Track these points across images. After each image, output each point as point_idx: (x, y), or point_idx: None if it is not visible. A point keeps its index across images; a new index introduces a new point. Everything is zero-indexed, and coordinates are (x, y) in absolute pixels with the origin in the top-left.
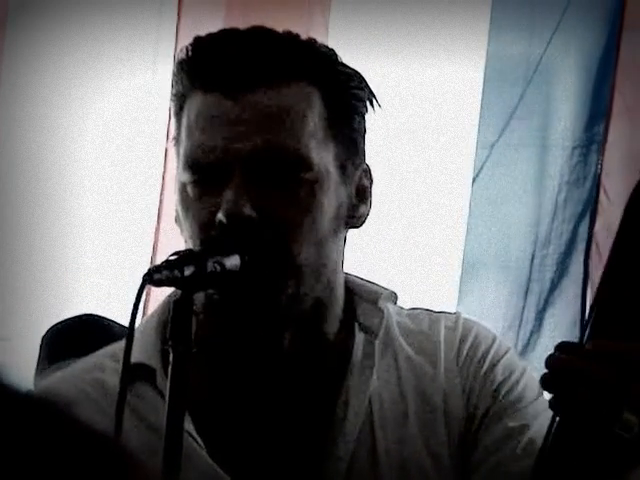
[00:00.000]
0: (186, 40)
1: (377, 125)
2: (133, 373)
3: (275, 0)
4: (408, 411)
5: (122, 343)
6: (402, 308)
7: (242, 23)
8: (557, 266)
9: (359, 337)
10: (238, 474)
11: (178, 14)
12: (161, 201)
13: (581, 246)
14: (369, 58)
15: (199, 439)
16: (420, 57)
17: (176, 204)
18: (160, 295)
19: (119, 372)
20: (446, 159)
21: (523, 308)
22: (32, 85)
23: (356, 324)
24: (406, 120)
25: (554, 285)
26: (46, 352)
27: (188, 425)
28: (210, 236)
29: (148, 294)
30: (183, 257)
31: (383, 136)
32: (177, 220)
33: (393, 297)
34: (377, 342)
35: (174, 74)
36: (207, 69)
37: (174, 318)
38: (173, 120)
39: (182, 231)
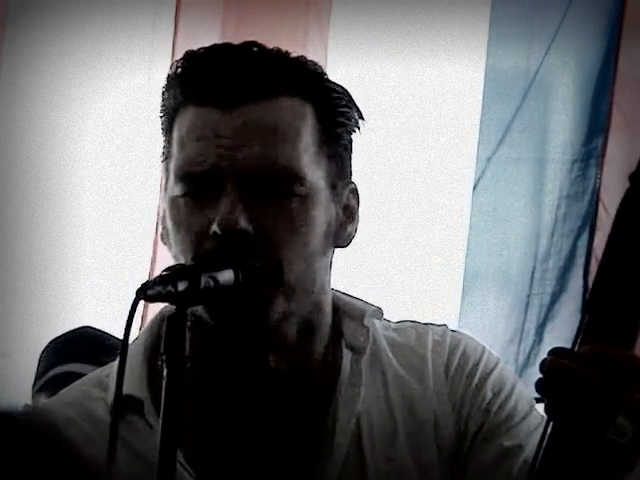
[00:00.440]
0: (183, 40)
1: (377, 125)
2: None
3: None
4: (397, 428)
5: (107, 369)
6: (389, 322)
7: (240, 23)
8: (557, 280)
9: (346, 355)
10: None
11: (175, 14)
12: None
13: (580, 260)
14: (369, 58)
15: (188, 467)
16: (420, 57)
17: (164, 221)
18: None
19: (105, 400)
20: (446, 159)
21: (524, 322)
22: (32, 85)
23: (343, 342)
24: (406, 120)
25: (554, 299)
26: (43, 368)
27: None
28: (204, 249)
29: (146, 306)
30: (176, 272)
31: (383, 136)
32: (164, 238)
33: (379, 313)
34: (364, 359)
35: (165, 89)
36: (201, 82)
37: (168, 333)
38: (161, 138)
39: (171, 248)
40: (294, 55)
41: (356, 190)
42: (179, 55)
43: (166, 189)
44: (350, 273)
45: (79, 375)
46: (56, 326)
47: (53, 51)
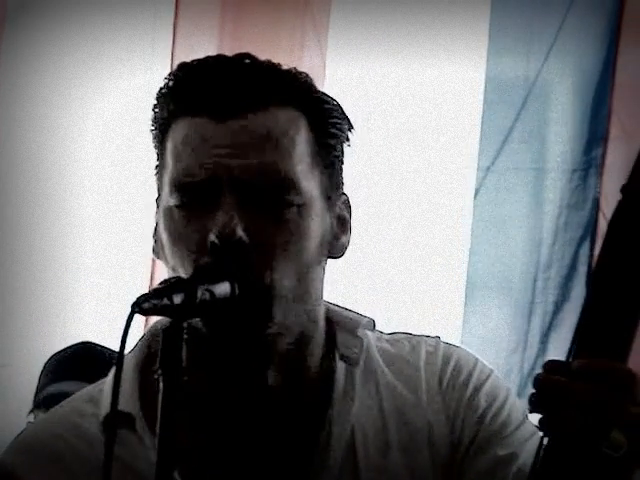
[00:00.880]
0: (183, 40)
1: (377, 125)
2: (109, 423)
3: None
4: (391, 439)
5: (99, 385)
6: (382, 333)
7: (239, 23)
8: (560, 289)
9: (340, 366)
10: None
11: (175, 14)
12: None
13: (583, 269)
14: (369, 58)
15: None
16: (420, 57)
17: (157, 234)
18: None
19: (98, 417)
20: (447, 159)
21: (527, 331)
22: (32, 85)
23: (337, 353)
24: (406, 120)
25: (557, 308)
26: (40, 385)
27: None
28: (202, 260)
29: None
30: (172, 285)
31: (383, 136)
32: (156, 251)
33: (371, 324)
34: (358, 371)
35: (157, 102)
36: (195, 94)
37: (164, 347)
38: (154, 151)
39: (166, 261)
40: (285, 67)
41: (348, 201)
42: (179, 55)
43: (159, 201)
44: (352, 283)
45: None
46: (56, 326)
47: (53, 51)
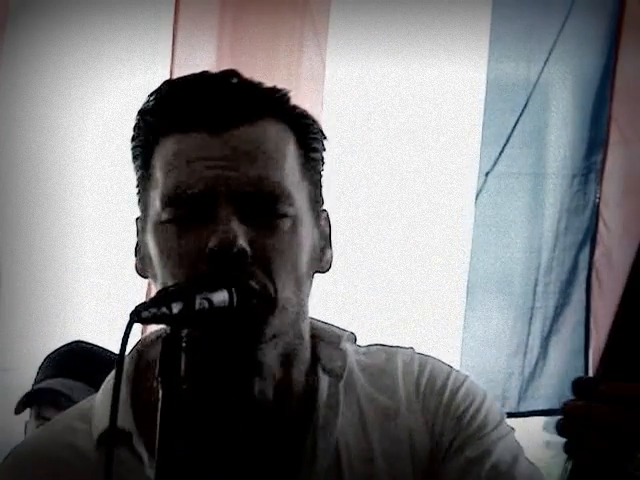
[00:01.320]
0: (183, 40)
1: (377, 125)
2: (108, 439)
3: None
4: (373, 449)
5: (90, 401)
6: (359, 346)
7: (238, 24)
8: (560, 294)
9: (324, 380)
10: None
11: (175, 14)
12: None
13: (582, 274)
14: (369, 58)
15: None
16: (420, 57)
17: (143, 252)
18: None
19: (90, 433)
20: (447, 160)
21: (528, 335)
22: (32, 85)
23: (320, 367)
24: (406, 120)
25: (558, 312)
26: (35, 380)
27: None
28: (199, 270)
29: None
30: (170, 293)
31: (383, 136)
32: (140, 269)
33: (353, 338)
34: (341, 384)
35: (139, 120)
36: (186, 109)
37: (163, 355)
38: (137, 172)
39: (155, 278)
40: (268, 85)
41: (328, 217)
42: (179, 55)
43: (146, 219)
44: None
45: (56, 392)
46: (56, 326)
47: (53, 51)
